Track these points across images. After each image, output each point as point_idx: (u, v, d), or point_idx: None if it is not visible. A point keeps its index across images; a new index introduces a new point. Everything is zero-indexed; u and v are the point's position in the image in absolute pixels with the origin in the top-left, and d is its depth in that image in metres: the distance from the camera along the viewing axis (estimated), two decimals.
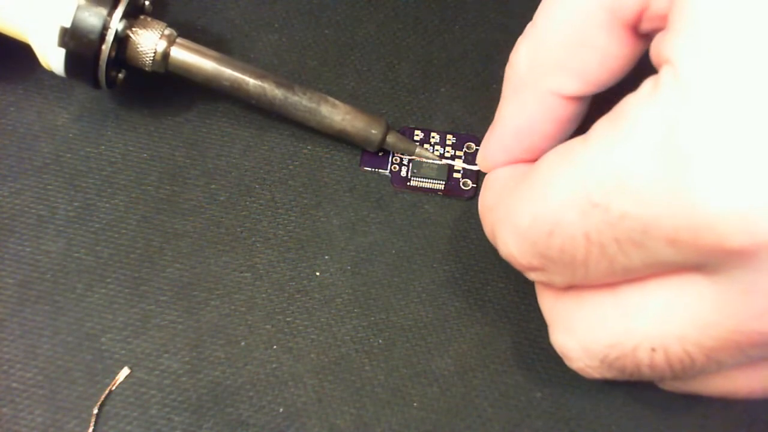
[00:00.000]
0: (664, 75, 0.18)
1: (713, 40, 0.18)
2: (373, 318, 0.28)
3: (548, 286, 0.23)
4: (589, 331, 0.22)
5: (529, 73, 0.24)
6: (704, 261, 0.18)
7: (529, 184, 0.21)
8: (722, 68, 0.17)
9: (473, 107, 0.32)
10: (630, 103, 0.19)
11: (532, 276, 0.23)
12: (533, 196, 0.21)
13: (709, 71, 0.18)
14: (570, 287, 0.22)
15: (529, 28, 0.24)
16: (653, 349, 0.20)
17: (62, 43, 0.27)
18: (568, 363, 0.23)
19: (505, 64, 0.32)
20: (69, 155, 0.30)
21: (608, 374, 0.22)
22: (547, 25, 0.23)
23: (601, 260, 0.20)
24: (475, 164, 0.30)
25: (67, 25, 0.27)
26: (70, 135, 0.30)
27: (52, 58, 0.28)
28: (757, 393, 0.22)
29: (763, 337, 0.19)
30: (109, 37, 0.27)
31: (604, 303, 0.21)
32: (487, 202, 0.25)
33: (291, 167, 0.30)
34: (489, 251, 0.29)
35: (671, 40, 0.19)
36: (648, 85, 0.19)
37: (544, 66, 0.23)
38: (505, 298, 0.28)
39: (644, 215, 0.18)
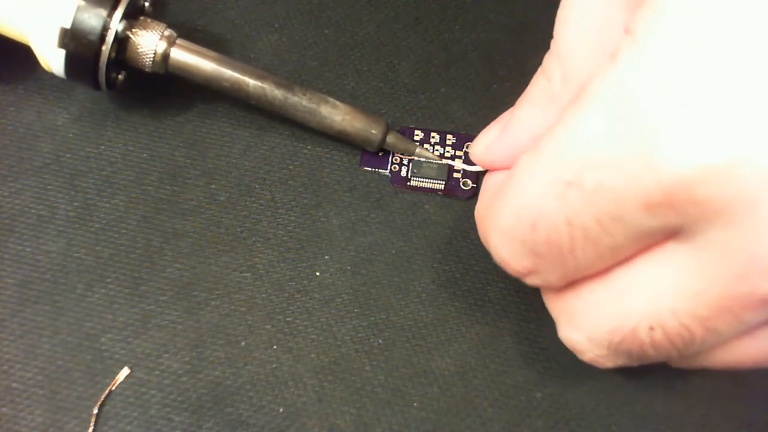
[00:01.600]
0: (622, 44, 0.19)
1: (669, 5, 0.18)
2: (373, 318, 0.28)
3: (548, 288, 0.23)
4: (590, 320, 0.22)
5: (563, 89, 0.24)
6: (680, 223, 0.18)
7: (508, 184, 0.21)
8: (679, 28, 0.18)
9: (473, 107, 0.32)
10: (590, 79, 0.19)
11: (529, 281, 0.23)
12: (512, 194, 0.21)
13: (666, 31, 0.18)
14: (567, 284, 0.22)
15: (553, 43, 0.24)
16: (651, 328, 0.20)
17: (62, 44, 0.27)
18: (579, 356, 0.23)
19: (505, 65, 0.32)
20: (69, 155, 0.30)
21: (619, 361, 0.22)
22: (569, 39, 0.23)
23: (586, 245, 0.20)
24: (475, 167, 0.30)
25: (67, 26, 0.27)
26: (70, 135, 0.30)
27: (52, 60, 0.28)
28: (762, 361, 0.22)
29: (752, 299, 0.19)
30: (109, 38, 0.27)
31: (598, 290, 0.21)
32: (479, 211, 0.25)
33: (291, 167, 0.30)
34: (488, 252, 0.29)
35: (634, 16, 0.19)
36: (606, 59, 0.19)
37: (578, 82, 0.23)
38: (505, 298, 0.28)
39: (616, 184, 0.18)
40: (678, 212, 0.18)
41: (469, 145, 0.31)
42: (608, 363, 0.22)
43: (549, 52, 0.24)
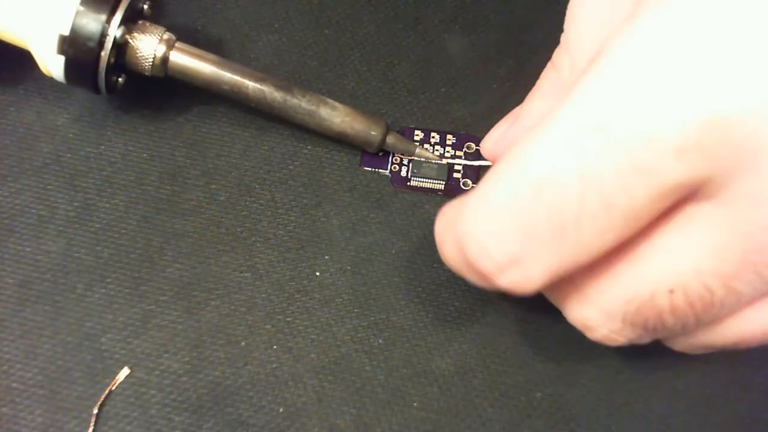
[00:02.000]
0: None
1: None
2: (373, 318, 0.28)
3: (520, 287, 0.21)
4: (604, 293, 0.21)
5: (573, 79, 0.23)
6: (707, 174, 0.18)
7: (503, 160, 0.20)
8: None
9: (473, 107, 0.32)
10: (614, 33, 0.19)
11: (503, 279, 0.21)
12: (511, 165, 0.20)
13: None
14: (552, 279, 0.21)
15: (563, 36, 0.24)
16: (671, 291, 0.20)
17: (61, 50, 0.27)
18: (590, 335, 0.22)
19: (505, 65, 0.32)
20: (69, 155, 0.30)
21: (633, 335, 0.22)
22: (579, 32, 0.23)
23: (597, 210, 0.19)
24: (476, 162, 0.30)
25: (66, 33, 0.27)
26: (70, 135, 0.30)
27: (52, 66, 0.28)
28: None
29: None
30: (108, 44, 0.27)
31: (613, 261, 0.21)
32: (446, 217, 0.23)
33: (291, 167, 0.30)
34: None
35: None
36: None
37: None
38: (505, 298, 0.28)
39: (647, 128, 0.18)
40: (710, 159, 0.18)
41: (469, 144, 0.31)
42: (620, 338, 0.22)
43: (559, 46, 0.24)
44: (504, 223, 0.20)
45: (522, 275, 0.20)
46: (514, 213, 0.20)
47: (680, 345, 0.24)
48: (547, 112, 0.20)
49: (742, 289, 0.20)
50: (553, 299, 0.23)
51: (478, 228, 0.20)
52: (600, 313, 0.22)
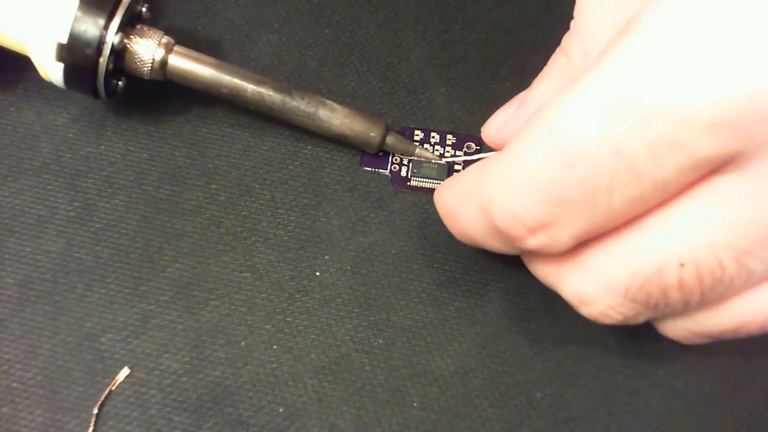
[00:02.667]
0: None
1: None
2: (373, 318, 0.28)
3: (550, 250, 0.21)
4: (608, 265, 0.21)
5: (584, 64, 0.23)
6: (738, 148, 0.18)
7: (531, 128, 0.20)
8: None
9: (473, 107, 0.32)
10: (645, 6, 0.19)
11: (531, 242, 0.21)
12: (541, 133, 0.20)
13: None
14: (576, 243, 0.21)
15: (573, 23, 0.24)
16: (682, 265, 0.20)
17: (60, 58, 0.27)
18: (585, 310, 0.22)
19: (505, 64, 0.32)
20: (69, 155, 0.30)
21: (631, 312, 0.21)
22: (590, 17, 0.23)
23: (629, 180, 0.19)
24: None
25: (64, 41, 0.27)
26: (70, 135, 0.30)
27: (51, 72, 0.28)
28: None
29: None
30: (106, 50, 0.27)
31: (620, 231, 0.20)
32: (461, 187, 0.23)
33: (291, 167, 0.30)
34: (489, 251, 0.29)
35: None
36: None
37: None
38: (505, 298, 0.28)
39: (680, 102, 0.18)
40: (742, 133, 0.18)
41: (469, 144, 0.31)
42: (616, 315, 0.21)
43: (569, 31, 0.24)
44: (534, 191, 0.20)
45: (551, 238, 0.21)
46: (544, 181, 0.20)
47: (675, 330, 0.23)
48: (571, 84, 0.20)
49: (754, 266, 0.20)
50: (547, 272, 0.23)
51: (506, 194, 0.20)
52: (600, 286, 0.21)
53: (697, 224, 0.19)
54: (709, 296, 0.21)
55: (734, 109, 0.18)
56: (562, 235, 0.20)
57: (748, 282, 0.20)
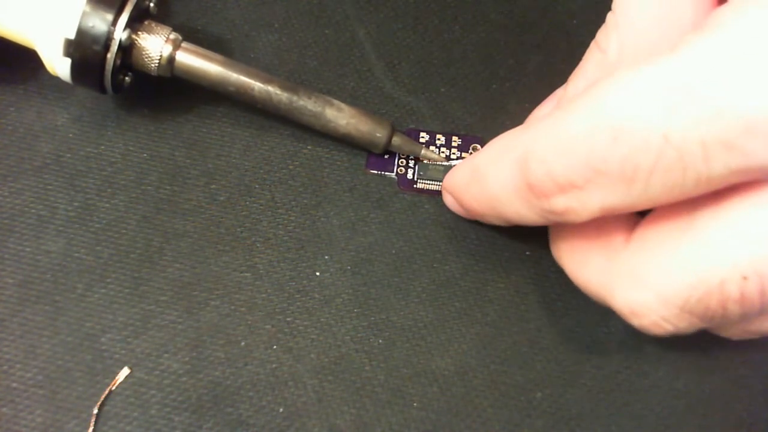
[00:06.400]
0: None
1: None
2: (373, 318, 0.28)
3: (574, 213, 0.21)
4: (666, 277, 0.20)
5: (620, 60, 0.23)
6: None
7: (585, 97, 0.20)
8: None
9: (473, 107, 0.32)
10: (727, 6, 0.18)
11: (562, 201, 0.20)
12: (595, 103, 0.19)
13: None
14: (606, 213, 0.20)
15: (610, 16, 0.23)
16: (745, 278, 0.19)
17: (67, 53, 0.27)
18: (636, 321, 0.21)
19: (505, 64, 0.32)
20: (69, 155, 0.30)
21: (684, 323, 0.20)
22: (631, 10, 0.22)
23: (673, 168, 0.18)
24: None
25: (72, 36, 0.27)
26: (70, 135, 0.30)
27: (59, 66, 0.28)
28: None
29: None
30: (114, 46, 0.27)
31: (680, 240, 0.20)
32: (497, 145, 0.23)
33: (291, 167, 0.30)
34: (489, 251, 0.29)
35: None
36: None
37: (635, 54, 0.22)
38: (505, 298, 0.28)
39: (750, 108, 0.17)
40: None
41: (474, 146, 0.31)
42: (669, 327, 0.21)
43: (604, 26, 0.24)
44: (575, 154, 0.20)
45: (579, 201, 0.20)
46: (587, 148, 0.19)
47: (729, 333, 0.22)
48: (636, 61, 0.19)
49: None
50: (596, 281, 0.22)
51: (547, 151, 0.20)
52: (656, 297, 0.20)
53: (761, 234, 0.19)
54: None
55: None
56: (591, 203, 0.20)
57: None
